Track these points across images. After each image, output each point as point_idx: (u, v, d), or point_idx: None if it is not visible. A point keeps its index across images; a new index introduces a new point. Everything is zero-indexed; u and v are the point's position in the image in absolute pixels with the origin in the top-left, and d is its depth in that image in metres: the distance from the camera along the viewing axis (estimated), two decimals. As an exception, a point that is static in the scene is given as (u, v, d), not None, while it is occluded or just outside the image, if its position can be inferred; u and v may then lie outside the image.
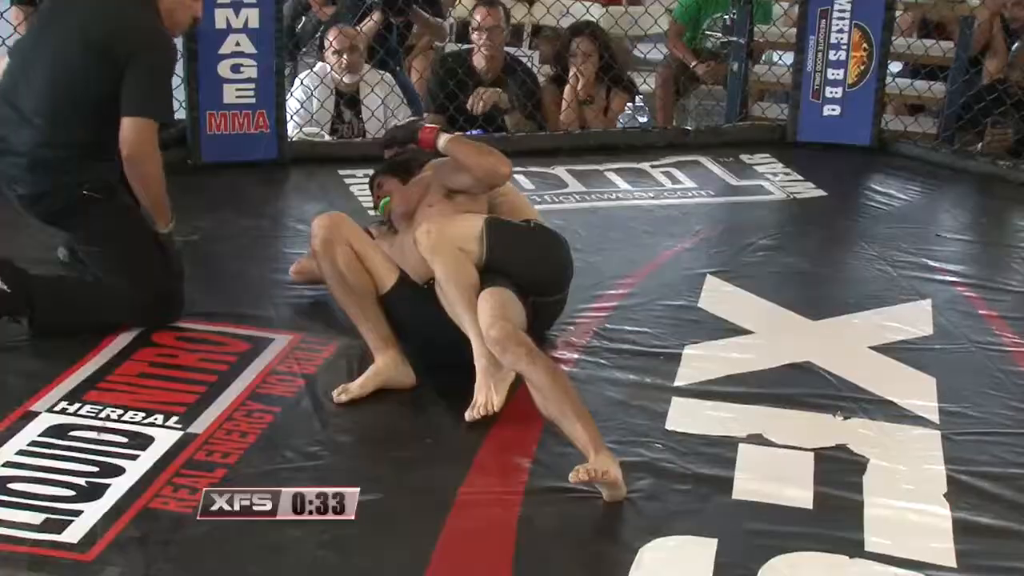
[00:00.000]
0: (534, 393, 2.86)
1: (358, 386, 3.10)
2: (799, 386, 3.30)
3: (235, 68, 4.75)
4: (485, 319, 2.95)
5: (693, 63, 6.15)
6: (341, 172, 4.88)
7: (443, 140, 3.28)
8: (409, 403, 3.13)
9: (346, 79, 5.27)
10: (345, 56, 5.23)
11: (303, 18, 6.33)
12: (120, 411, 3.02)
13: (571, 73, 5.59)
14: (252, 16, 4.71)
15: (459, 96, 5.34)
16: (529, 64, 6.11)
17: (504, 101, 5.40)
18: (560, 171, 5.09)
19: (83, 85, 3.30)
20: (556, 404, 2.80)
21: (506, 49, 5.73)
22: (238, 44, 4.74)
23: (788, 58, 5.72)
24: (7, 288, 3.30)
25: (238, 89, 4.76)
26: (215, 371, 3.23)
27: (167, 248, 3.44)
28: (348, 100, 5.34)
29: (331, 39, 5.30)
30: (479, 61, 5.45)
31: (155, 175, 3.34)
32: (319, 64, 5.43)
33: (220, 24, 4.71)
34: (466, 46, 5.74)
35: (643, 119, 5.62)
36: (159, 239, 3.42)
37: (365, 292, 3.21)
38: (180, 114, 4.90)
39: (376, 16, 5.74)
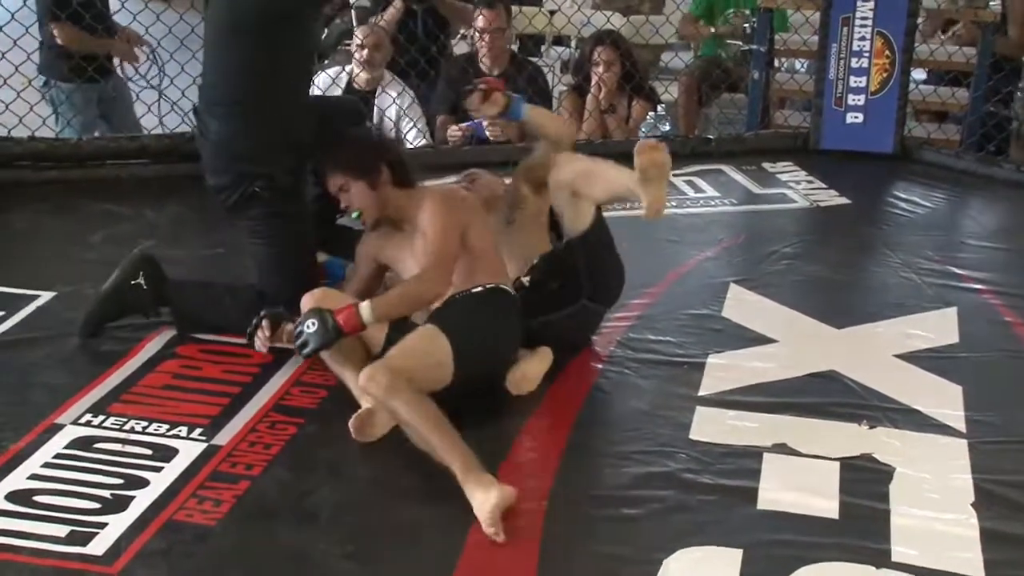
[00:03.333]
0: (403, 428, 2.87)
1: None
2: (824, 395, 3.28)
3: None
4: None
5: (712, 30, 6.11)
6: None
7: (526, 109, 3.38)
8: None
9: (363, 75, 5.24)
10: (366, 52, 5.20)
11: (325, 30, 6.34)
12: (144, 423, 3.02)
13: (592, 82, 5.58)
14: (274, 28, 4.71)
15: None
16: (549, 73, 6.11)
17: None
18: (582, 180, 5.08)
19: (227, 65, 3.35)
20: (421, 438, 2.81)
21: (519, 53, 5.73)
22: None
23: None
24: (143, 284, 3.44)
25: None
26: (239, 383, 3.24)
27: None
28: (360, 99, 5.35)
29: (359, 34, 5.29)
30: (485, 62, 5.48)
31: None
32: (334, 67, 5.43)
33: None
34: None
35: (665, 128, 5.60)
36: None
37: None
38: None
39: (397, 3, 5.73)
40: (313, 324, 2.98)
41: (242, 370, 3.30)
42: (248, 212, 3.38)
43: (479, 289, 3.13)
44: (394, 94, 5.25)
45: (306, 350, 3.00)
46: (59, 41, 5.07)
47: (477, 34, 5.48)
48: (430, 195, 3.19)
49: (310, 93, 3.63)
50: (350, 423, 2.98)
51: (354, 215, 3.24)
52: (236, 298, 3.46)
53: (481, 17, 5.46)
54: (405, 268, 3.22)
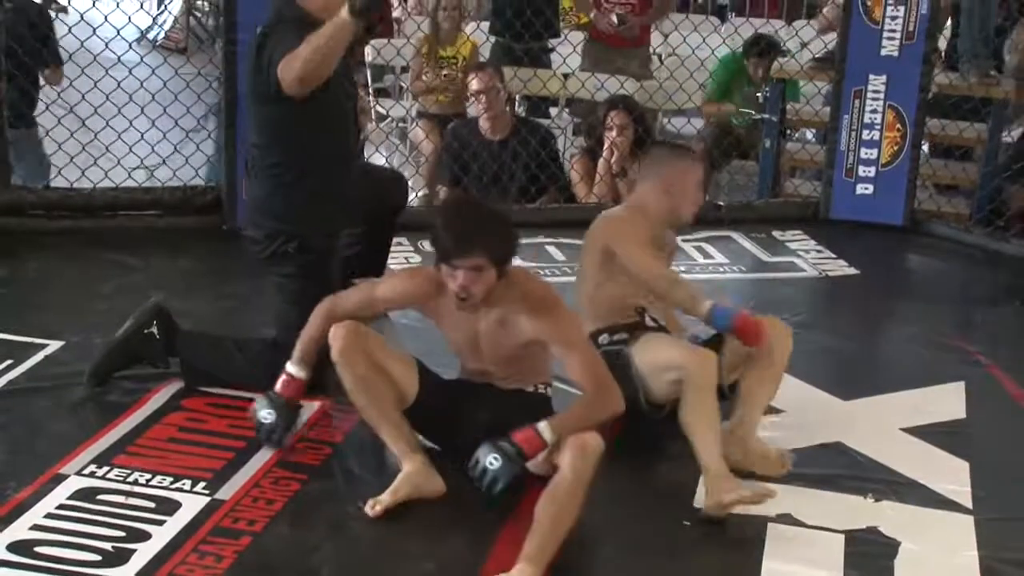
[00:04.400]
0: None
1: (389, 494, 2.93)
2: (830, 466, 3.27)
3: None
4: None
5: (734, 108, 6.14)
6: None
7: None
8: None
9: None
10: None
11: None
12: (148, 475, 3.02)
13: (605, 145, 5.62)
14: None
15: (471, 165, 5.39)
16: (561, 136, 6.15)
17: None
18: (592, 244, 5.09)
19: (258, 120, 3.41)
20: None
21: (529, 117, 5.78)
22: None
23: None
24: (156, 334, 3.47)
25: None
26: (243, 437, 3.23)
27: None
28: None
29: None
30: (483, 124, 5.54)
31: (310, 59, 3.12)
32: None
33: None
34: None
35: (676, 193, 5.62)
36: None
37: (385, 399, 3.03)
38: (216, 176, 4.97)
39: None
40: (496, 459, 2.82)
41: (247, 424, 3.29)
42: (278, 268, 3.43)
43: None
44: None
45: (498, 487, 2.82)
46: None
47: (473, 99, 5.55)
48: (560, 308, 2.98)
49: (354, 158, 3.58)
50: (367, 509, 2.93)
51: (462, 295, 2.93)
52: (246, 352, 3.47)
53: (475, 80, 5.53)
54: (454, 342, 3.12)
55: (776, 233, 5.34)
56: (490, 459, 2.81)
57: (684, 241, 5.18)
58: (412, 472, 2.98)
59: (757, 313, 3.41)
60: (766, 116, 5.78)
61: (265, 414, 3.09)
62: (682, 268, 4.88)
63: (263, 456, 3.15)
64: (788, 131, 6.15)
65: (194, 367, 3.49)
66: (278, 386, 3.10)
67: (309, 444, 3.24)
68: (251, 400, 3.28)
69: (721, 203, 5.74)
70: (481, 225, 2.93)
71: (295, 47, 3.14)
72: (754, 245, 5.22)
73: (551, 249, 4.90)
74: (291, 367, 3.11)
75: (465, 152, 5.44)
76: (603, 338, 3.34)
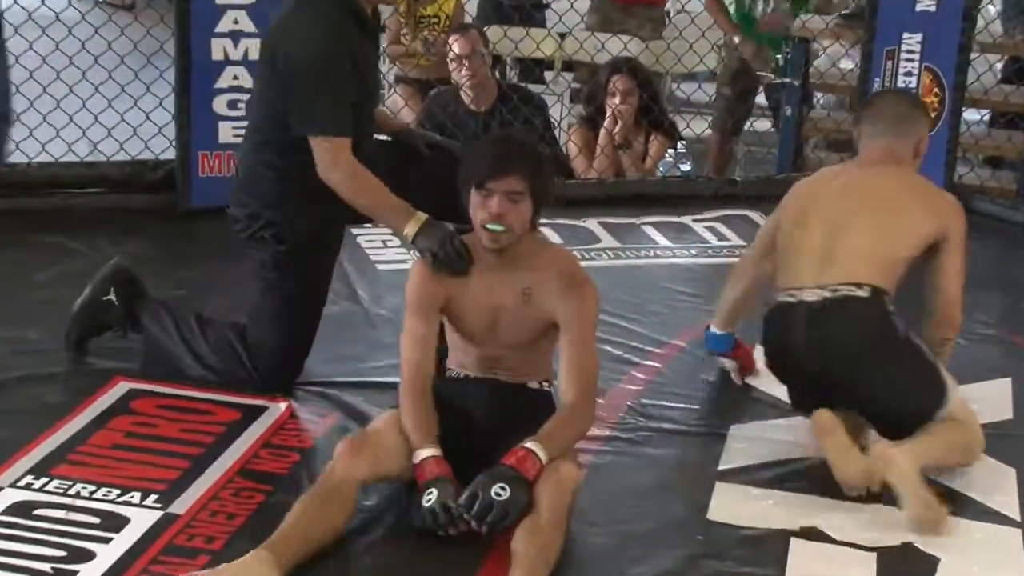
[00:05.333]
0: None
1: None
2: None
3: (232, 104, 4.78)
4: None
5: (737, 39, 6.12)
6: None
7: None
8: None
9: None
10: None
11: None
12: (92, 488, 3.00)
13: (607, 114, 5.61)
14: (253, 48, 4.73)
15: (456, 136, 5.35)
16: (557, 104, 6.14)
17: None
18: (592, 224, 5.10)
19: (257, 94, 3.45)
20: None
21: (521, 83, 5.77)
22: (236, 78, 4.77)
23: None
24: (114, 300, 3.55)
25: (235, 127, 4.77)
26: (200, 443, 3.22)
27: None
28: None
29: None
30: (466, 97, 5.50)
31: (352, 192, 3.27)
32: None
33: (217, 55, 4.75)
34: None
35: (686, 167, 5.62)
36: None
37: (323, 523, 2.79)
38: (169, 154, 4.96)
39: None
40: (504, 489, 2.75)
41: (204, 429, 3.29)
42: (256, 251, 3.45)
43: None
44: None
45: (508, 519, 2.75)
46: None
47: (454, 65, 5.51)
48: (590, 287, 3.00)
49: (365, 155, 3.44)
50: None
51: (493, 227, 2.91)
52: (210, 333, 3.51)
53: (455, 44, 5.49)
54: (472, 324, 3.06)
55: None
56: (496, 490, 2.75)
57: (695, 221, 5.19)
58: (247, 565, 2.69)
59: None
60: (786, 80, 5.76)
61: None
62: (693, 251, 4.90)
63: (223, 465, 3.14)
64: (817, 99, 6.14)
65: (159, 345, 3.54)
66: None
67: (274, 451, 3.23)
68: (209, 401, 3.27)
69: (737, 178, 5.74)
70: (522, 148, 3.00)
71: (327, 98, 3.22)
72: (774, 225, 5.20)
73: (547, 232, 4.88)
74: (423, 452, 2.88)
75: (449, 122, 5.42)
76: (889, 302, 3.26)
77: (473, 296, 3.04)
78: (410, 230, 3.15)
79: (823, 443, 3.13)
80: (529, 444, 2.83)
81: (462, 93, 5.52)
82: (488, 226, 2.93)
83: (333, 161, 3.25)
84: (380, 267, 4.49)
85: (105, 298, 3.58)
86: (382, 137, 3.60)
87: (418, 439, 2.91)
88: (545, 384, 3.13)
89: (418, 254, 3.14)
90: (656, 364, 3.86)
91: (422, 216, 3.16)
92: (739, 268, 3.74)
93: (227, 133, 4.80)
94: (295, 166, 3.32)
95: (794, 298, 3.27)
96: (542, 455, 2.82)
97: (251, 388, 3.47)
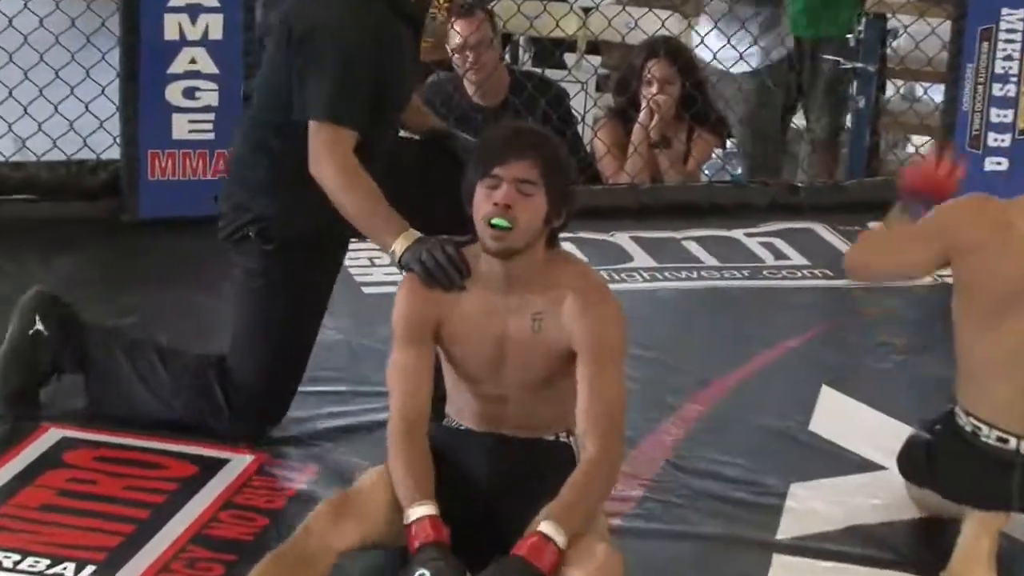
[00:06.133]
0: None
1: None
2: (948, 546, 3.24)
3: (189, 93, 4.80)
4: None
5: None
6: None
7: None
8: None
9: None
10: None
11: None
12: (16, 557, 2.99)
13: (642, 106, 5.61)
14: (214, 24, 4.76)
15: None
16: (581, 93, 6.14)
17: None
18: (623, 239, 5.10)
19: (261, 81, 3.55)
20: None
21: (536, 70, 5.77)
22: (194, 62, 4.79)
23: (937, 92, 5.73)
24: (44, 330, 3.51)
25: (192, 121, 4.80)
26: (147, 504, 3.21)
27: None
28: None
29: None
30: (471, 88, 5.50)
31: (339, 191, 3.29)
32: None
33: (170, 34, 4.76)
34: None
35: (736, 171, 5.62)
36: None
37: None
38: (112, 153, 4.97)
39: None
40: None
41: (152, 486, 3.28)
42: (240, 257, 3.46)
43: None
44: None
45: None
46: None
47: (455, 55, 5.51)
48: (612, 305, 3.01)
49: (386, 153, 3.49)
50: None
51: (497, 222, 2.90)
52: (171, 367, 3.49)
53: (457, 28, 5.49)
54: (472, 357, 3.05)
55: (874, 224, 5.32)
56: None
57: (748, 236, 5.19)
58: None
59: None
60: (859, 65, 5.76)
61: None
62: (746, 273, 4.89)
63: (175, 530, 3.13)
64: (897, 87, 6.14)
65: (105, 382, 3.52)
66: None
67: (237, 513, 3.22)
68: (159, 452, 3.27)
69: (799, 183, 5.73)
70: (538, 133, 3.07)
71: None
72: (844, 241, 5.20)
73: (569, 247, 4.88)
74: (416, 510, 2.86)
75: (451, 115, 5.42)
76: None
77: (472, 322, 3.02)
78: (398, 246, 3.14)
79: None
80: (544, 527, 2.76)
81: (466, 84, 5.53)
82: (493, 221, 2.90)
83: (326, 151, 3.27)
84: (366, 290, 4.49)
85: (32, 330, 3.52)
86: (406, 135, 3.65)
87: (409, 494, 2.87)
88: (563, 436, 3.09)
89: (405, 272, 3.13)
90: (699, 408, 3.86)
91: (415, 233, 3.15)
92: None
93: (183, 128, 4.81)
94: (292, 150, 3.34)
95: (1008, 445, 3.19)
96: (559, 539, 2.76)
97: (216, 435, 3.46)
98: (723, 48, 5.85)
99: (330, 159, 3.27)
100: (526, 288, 2.98)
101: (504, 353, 3.01)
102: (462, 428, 3.12)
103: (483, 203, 2.92)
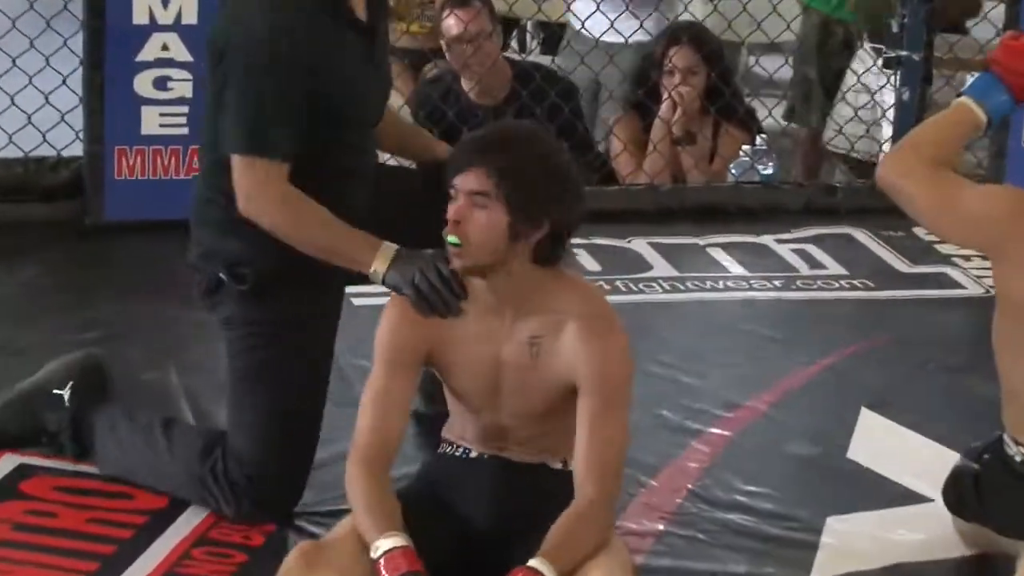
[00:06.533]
0: None
1: None
2: (1002, 584, 3.25)
3: (161, 83, 4.81)
4: None
5: None
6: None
7: None
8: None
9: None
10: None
11: None
12: (-32, 598, 3.01)
13: (663, 98, 5.62)
14: (187, 7, 4.77)
15: (458, 128, 5.30)
16: (593, 83, 6.14)
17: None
18: (640, 245, 5.11)
19: (205, 105, 3.41)
20: None
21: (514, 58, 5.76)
22: (166, 48, 4.81)
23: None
24: (67, 401, 3.50)
25: (164, 114, 4.81)
26: (113, 539, 3.21)
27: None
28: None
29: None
30: (469, 85, 5.48)
31: (286, 228, 3.24)
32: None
33: (139, 18, 4.77)
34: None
35: (767, 170, 5.62)
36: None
37: None
38: (76, 149, 4.97)
39: None
40: None
41: (118, 519, 3.29)
42: (218, 312, 3.37)
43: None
44: None
45: None
46: None
47: (449, 49, 5.49)
48: (618, 335, 3.00)
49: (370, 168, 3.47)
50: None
51: (449, 239, 2.93)
52: (175, 447, 3.42)
53: (452, 20, 5.47)
54: (467, 383, 3.08)
55: (920, 230, 5.33)
56: None
57: (779, 242, 5.19)
58: None
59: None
60: (902, 54, 5.77)
61: None
62: (777, 283, 4.89)
63: (143, 568, 3.13)
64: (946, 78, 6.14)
65: (106, 460, 3.48)
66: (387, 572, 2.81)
67: (213, 550, 3.22)
68: (127, 484, 3.27)
69: (837, 183, 5.73)
70: (505, 136, 3.02)
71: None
72: (886, 248, 5.21)
73: (581, 254, 4.89)
74: (384, 543, 2.84)
75: (450, 111, 5.42)
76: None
77: (466, 346, 3.02)
78: (379, 264, 3.12)
79: None
80: (534, 562, 2.78)
81: (464, 82, 5.51)
82: (446, 237, 2.92)
83: (257, 190, 3.19)
84: (357, 302, 4.47)
85: (56, 391, 3.51)
86: (398, 163, 3.61)
87: (374, 525, 2.85)
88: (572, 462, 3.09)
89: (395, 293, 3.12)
90: (726, 433, 3.86)
91: (391, 247, 3.14)
92: None
93: (153, 122, 4.82)
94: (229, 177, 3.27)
95: None
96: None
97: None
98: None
99: (263, 197, 3.19)
100: (519, 310, 2.98)
101: (500, 380, 3.02)
102: (460, 454, 3.12)
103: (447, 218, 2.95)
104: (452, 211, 2.91)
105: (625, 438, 2.98)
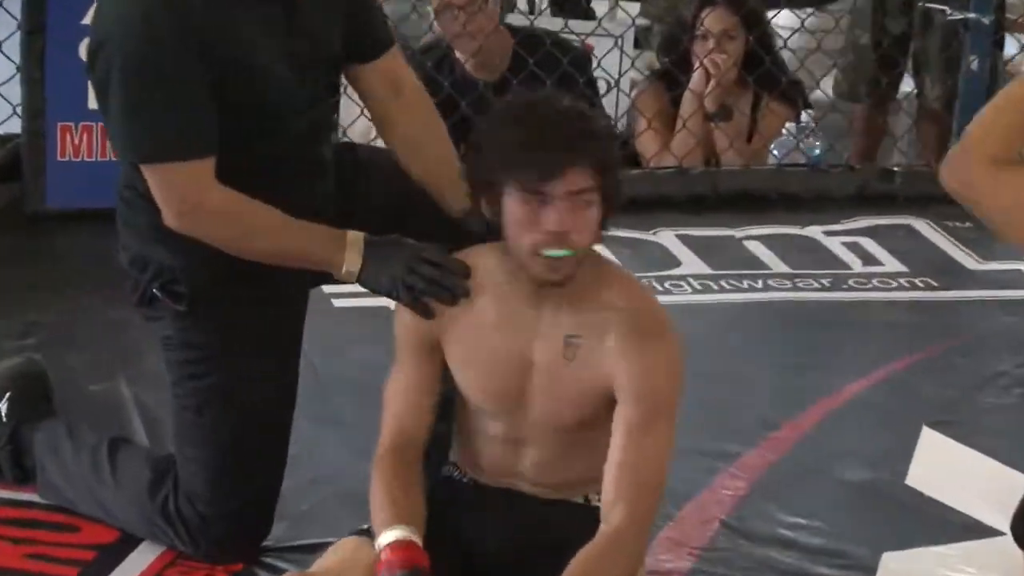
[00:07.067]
0: None
1: None
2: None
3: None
4: None
5: None
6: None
7: None
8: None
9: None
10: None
11: None
12: None
13: (694, 68, 5.62)
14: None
15: (453, 107, 5.30)
16: (615, 50, 6.14)
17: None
18: (667, 238, 5.15)
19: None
20: None
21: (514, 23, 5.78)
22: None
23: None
24: (3, 415, 3.52)
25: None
26: (55, 577, 3.23)
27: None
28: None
29: None
30: (464, 57, 5.47)
31: (231, 240, 3.16)
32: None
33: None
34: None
35: (815, 151, 5.63)
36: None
37: None
38: (12, 126, 4.98)
39: None
40: None
41: (63, 555, 3.29)
42: (155, 327, 3.33)
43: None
44: None
45: None
46: None
47: (439, 16, 5.49)
48: (671, 342, 3.00)
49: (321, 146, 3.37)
50: None
51: (560, 253, 2.88)
52: (121, 476, 3.40)
53: None
54: (489, 383, 3.04)
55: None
56: None
57: (828, 235, 5.20)
58: None
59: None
60: (969, 16, 5.77)
61: None
62: (825, 282, 4.90)
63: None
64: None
65: (47, 486, 3.48)
66: (384, 568, 2.81)
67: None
68: (72, 515, 3.28)
69: (895, 167, 5.73)
70: (584, 120, 2.95)
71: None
72: (951, 241, 5.23)
73: (598, 248, 4.89)
74: (389, 534, 2.84)
75: (445, 82, 5.42)
76: None
77: (488, 340, 3.00)
78: (350, 262, 3.08)
79: None
80: None
81: (457, 55, 5.50)
82: (548, 253, 2.86)
83: (179, 203, 3.10)
84: (337, 303, 4.49)
85: None
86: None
87: (386, 520, 2.84)
88: (596, 498, 3.04)
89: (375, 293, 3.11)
90: (766, 456, 3.87)
91: (358, 236, 3.09)
92: None
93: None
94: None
95: None
96: None
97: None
98: None
99: (193, 210, 3.10)
100: (560, 303, 2.97)
101: (527, 383, 3.00)
102: (467, 481, 3.11)
103: (528, 228, 2.87)
104: (555, 221, 2.84)
105: (665, 459, 2.95)
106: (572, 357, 2.96)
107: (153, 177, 3.10)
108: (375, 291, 3.10)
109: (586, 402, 2.98)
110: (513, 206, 2.87)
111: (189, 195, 3.09)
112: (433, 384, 3.04)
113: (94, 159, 4.84)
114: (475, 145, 2.96)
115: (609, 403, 2.96)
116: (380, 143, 3.49)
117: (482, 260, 3.01)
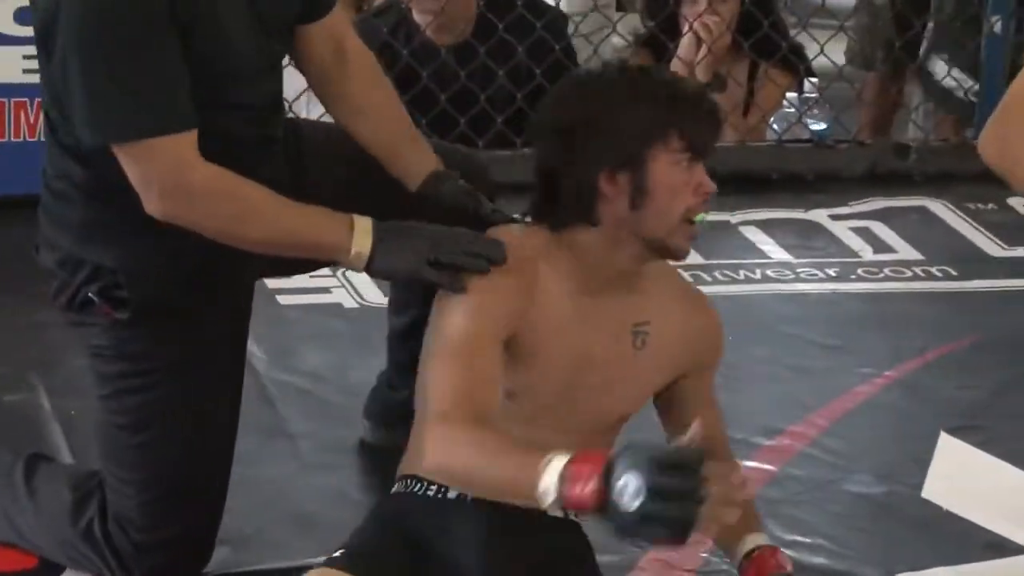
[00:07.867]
0: None
1: None
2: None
3: (24, 16, 4.79)
4: None
5: None
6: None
7: None
8: None
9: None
10: None
11: None
12: None
13: (683, 33, 5.65)
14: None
15: (416, 77, 5.33)
16: (594, 13, 6.17)
17: None
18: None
19: (41, 81, 3.29)
20: None
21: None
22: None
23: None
24: None
25: (28, 56, 4.80)
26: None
27: None
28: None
29: None
30: (423, 19, 5.54)
31: (224, 222, 3.13)
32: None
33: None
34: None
35: (820, 124, 5.65)
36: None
37: None
38: None
39: None
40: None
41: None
42: (83, 334, 3.33)
43: None
44: None
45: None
46: None
47: None
48: (715, 309, 3.23)
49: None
50: None
51: (701, 217, 2.99)
52: (39, 497, 3.42)
53: None
54: (553, 370, 3.04)
55: (1017, 201, 5.37)
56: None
57: (835, 219, 5.23)
58: None
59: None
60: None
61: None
62: (832, 272, 4.93)
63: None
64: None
65: None
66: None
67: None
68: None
69: (909, 143, 5.76)
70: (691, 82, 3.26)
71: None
72: (972, 225, 5.26)
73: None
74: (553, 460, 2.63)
75: (403, 50, 5.43)
76: None
77: (555, 332, 3.00)
78: (360, 246, 3.07)
79: None
80: (762, 539, 3.04)
81: (415, 14, 5.50)
82: (697, 217, 2.96)
83: (162, 184, 3.07)
84: (283, 300, 4.50)
85: None
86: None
87: (526, 456, 2.64)
88: None
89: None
90: (766, 467, 3.92)
91: (365, 220, 3.08)
92: None
93: (14, 67, 4.92)
94: (106, 177, 3.17)
95: None
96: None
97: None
98: None
99: (179, 188, 3.07)
100: (624, 289, 3.03)
101: (580, 379, 3.02)
102: (451, 496, 3.02)
103: (682, 191, 2.93)
104: (709, 181, 2.94)
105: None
106: (641, 346, 3.05)
107: (129, 157, 3.07)
108: (387, 276, 3.17)
109: (641, 397, 3.14)
110: (664, 172, 2.93)
111: (173, 174, 3.07)
112: (498, 358, 2.94)
113: (5, 140, 4.87)
114: (589, 125, 2.94)
115: (658, 393, 3.15)
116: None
117: (530, 242, 3.01)
